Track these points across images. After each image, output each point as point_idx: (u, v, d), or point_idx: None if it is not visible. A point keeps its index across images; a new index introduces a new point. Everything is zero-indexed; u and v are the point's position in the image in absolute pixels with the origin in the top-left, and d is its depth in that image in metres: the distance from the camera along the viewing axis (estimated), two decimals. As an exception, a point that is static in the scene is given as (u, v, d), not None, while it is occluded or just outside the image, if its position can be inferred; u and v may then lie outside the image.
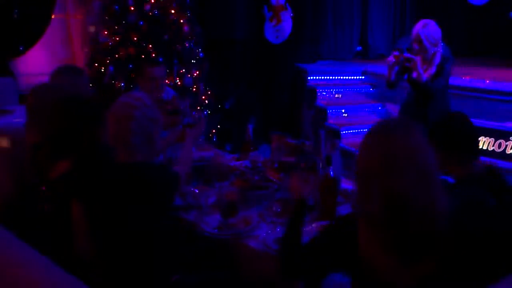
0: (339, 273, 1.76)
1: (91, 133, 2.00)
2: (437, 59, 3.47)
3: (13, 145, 2.28)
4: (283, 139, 3.00)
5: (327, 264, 1.54)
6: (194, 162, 2.74)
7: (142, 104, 1.90)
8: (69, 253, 1.81)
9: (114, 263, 1.84)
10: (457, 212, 1.40)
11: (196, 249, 2.24)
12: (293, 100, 6.65)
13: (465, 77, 5.31)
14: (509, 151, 4.43)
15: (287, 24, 6.33)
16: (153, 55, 4.62)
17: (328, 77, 6.65)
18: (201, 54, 5.16)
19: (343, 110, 6.18)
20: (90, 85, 3.81)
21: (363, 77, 6.77)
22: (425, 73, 3.47)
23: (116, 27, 4.68)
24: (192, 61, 5.03)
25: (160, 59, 4.41)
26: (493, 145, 4.52)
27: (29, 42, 4.93)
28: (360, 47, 7.96)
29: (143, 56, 4.58)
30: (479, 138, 4.55)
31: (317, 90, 6.34)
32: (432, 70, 3.47)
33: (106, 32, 4.71)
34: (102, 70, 4.64)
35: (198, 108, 4.98)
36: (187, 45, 4.96)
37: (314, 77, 6.56)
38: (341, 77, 6.73)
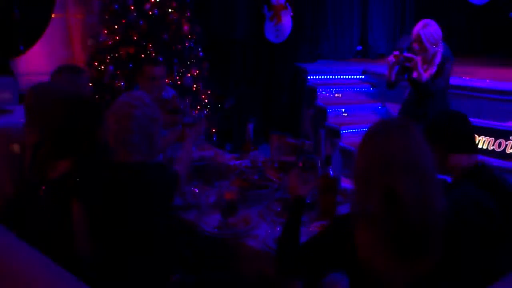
0: (338, 273, 1.77)
1: (91, 133, 2.01)
2: (438, 59, 3.46)
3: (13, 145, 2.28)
4: (283, 139, 3.00)
5: (325, 263, 1.55)
6: (194, 161, 2.74)
7: (142, 103, 1.90)
8: (69, 253, 1.81)
9: (114, 263, 1.84)
10: (455, 211, 1.40)
11: (196, 249, 2.24)
12: (293, 99, 6.65)
13: (465, 77, 5.31)
14: (509, 151, 4.43)
15: (287, 23, 6.33)
16: (153, 54, 4.62)
17: (328, 77, 6.65)
18: (201, 54, 5.16)
19: (343, 110, 6.18)
20: (90, 84, 3.82)
21: (363, 77, 6.77)
22: (425, 73, 3.47)
23: (116, 27, 4.68)
24: (192, 60, 5.03)
25: (160, 59, 4.41)
26: (493, 145, 4.51)
27: (29, 41, 4.93)
28: (360, 47, 7.96)
29: (143, 56, 4.59)
30: (479, 138, 4.55)
31: (317, 90, 6.34)
32: (433, 70, 3.47)
33: (106, 32, 4.72)
34: (102, 69, 4.65)
35: (198, 107, 4.99)
36: (187, 44, 4.96)
37: (314, 77, 6.56)
38: (341, 77, 6.73)
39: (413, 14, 8.00)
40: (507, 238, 1.61)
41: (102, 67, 4.65)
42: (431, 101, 3.53)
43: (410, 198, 1.28)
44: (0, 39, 4.68)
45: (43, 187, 1.93)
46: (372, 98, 6.50)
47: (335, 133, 5.64)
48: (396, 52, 3.53)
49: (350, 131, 5.71)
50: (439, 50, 3.47)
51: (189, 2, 5.07)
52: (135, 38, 4.62)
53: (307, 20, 6.97)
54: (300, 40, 6.79)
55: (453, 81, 3.83)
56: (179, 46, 4.87)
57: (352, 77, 6.77)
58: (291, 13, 6.35)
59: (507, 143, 4.45)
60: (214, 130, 5.37)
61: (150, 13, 4.68)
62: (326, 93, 6.40)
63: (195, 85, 5.01)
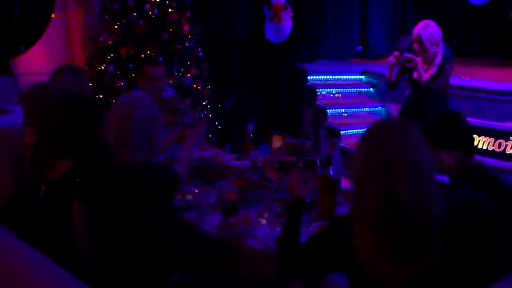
0: (338, 273, 1.77)
1: (91, 133, 2.01)
2: (438, 60, 3.47)
3: (13, 145, 2.28)
4: (283, 139, 3.01)
5: (325, 263, 1.55)
6: (194, 161, 2.74)
7: (142, 103, 1.90)
8: (69, 253, 1.81)
9: (114, 263, 1.84)
10: (453, 212, 1.41)
11: (196, 249, 2.24)
12: (293, 99, 6.65)
13: (465, 77, 5.31)
14: (509, 151, 4.44)
15: (287, 23, 6.34)
16: (153, 54, 4.62)
17: (328, 77, 6.65)
18: (201, 54, 5.16)
19: (343, 110, 6.18)
20: (90, 84, 3.82)
21: (363, 77, 6.77)
22: (425, 74, 3.47)
23: (116, 27, 4.68)
24: (192, 60, 5.03)
25: (160, 59, 4.41)
26: (493, 145, 4.52)
27: (29, 41, 4.93)
28: (360, 47, 7.95)
29: (143, 56, 4.58)
30: (479, 138, 4.55)
31: (317, 90, 6.34)
32: (433, 70, 3.47)
33: (106, 31, 4.71)
34: (102, 69, 4.64)
35: (198, 107, 4.98)
36: (187, 44, 4.96)
37: (314, 77, 6.56)
38: (341, 77, 6.73)
39: (413, 14, 7.99)
40: (506, 238, 1.61)
41: (102, 67, 4.65)
42: (431, 101, 3.53)
43: (410, 198, 1.28)
44: (0, 39, 4.68)
45: (43, 187, 1.93)
46: (372, 98, 6.50)
47: (335, 133, 5.65)
48: (396, 53, 3.53)
49: (350, 131, 5.72)
50: (439, 50, 3.48)
51: (189, 2, 5.07)
52: (135, 38, 4.62)
53: (307, 20, 6.97)
54: (300, 40, 6.79)
55: (453, 81, 3.83)
56: (179, 46, 4.86)
57: (352, 77, 6.77)
58: (291, 13, 6.35)
59: (507, 143, 4.45)
60: (214, 130, 5.37)
61: (150, 13, 4.68)
62: (326, 93, 6.40)
63: (195, 85, 5.01)
